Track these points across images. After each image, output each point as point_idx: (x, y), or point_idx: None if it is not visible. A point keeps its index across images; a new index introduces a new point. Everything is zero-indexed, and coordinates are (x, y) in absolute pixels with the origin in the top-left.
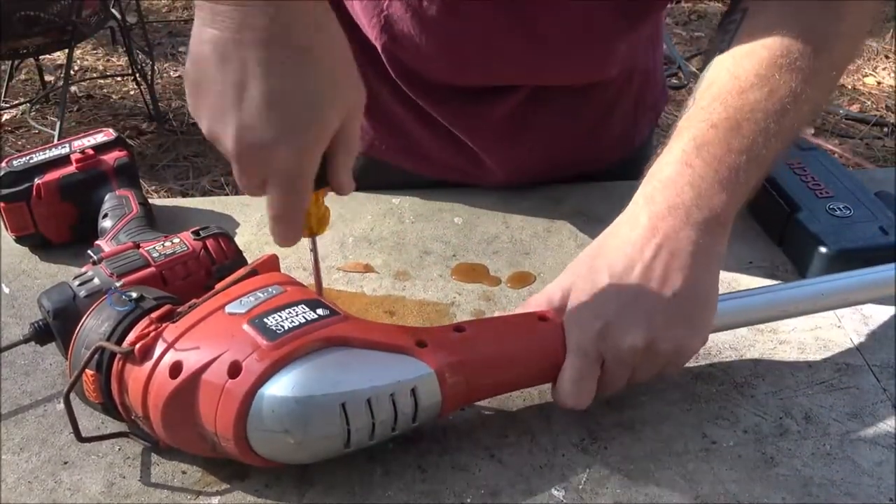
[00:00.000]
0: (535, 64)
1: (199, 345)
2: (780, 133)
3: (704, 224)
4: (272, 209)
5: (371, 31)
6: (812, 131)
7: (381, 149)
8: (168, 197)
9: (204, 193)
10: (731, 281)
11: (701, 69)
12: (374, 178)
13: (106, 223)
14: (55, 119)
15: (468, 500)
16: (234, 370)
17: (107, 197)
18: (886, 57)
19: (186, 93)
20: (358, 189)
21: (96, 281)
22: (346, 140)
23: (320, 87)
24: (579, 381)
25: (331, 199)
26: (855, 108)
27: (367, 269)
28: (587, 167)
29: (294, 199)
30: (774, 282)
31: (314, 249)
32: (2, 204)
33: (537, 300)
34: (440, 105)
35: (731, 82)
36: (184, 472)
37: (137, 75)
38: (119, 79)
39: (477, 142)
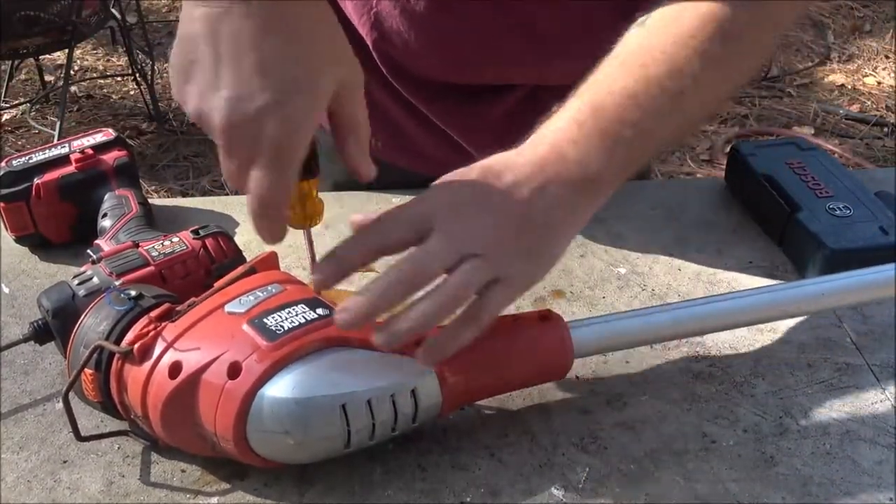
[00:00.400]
0: (531, 62)
1: (198, 345)
2: (674, 113)
3: (576, 182)
4: (256, 190)
5: (362, 29)
6: (812, 131)
7: (378, 147)
8: (168, 197)
9: (204, 193)
10: (731, 281)
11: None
12: (363, 185)
13: (105, 223)
14: (55, 119)
15: (468, 500)
16: (234, 371)
17: (106, 197)
18: (886, 57)
19: (172, 79)
20: (355, 188)
21: (95, 280)
22: (350, 122)
23: (309, 56)
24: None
25: (331, 199)
26: (855, 108)
27: (367, 268)
28: None
29: (279, 178)
30: (774, 282)
31: (310, 243)
32: (1, 204)
33: None
34: (433, 103)
35: (637, 53)
36: (183, 471)
37: (137, 75)
38: (119, 79)
39: (472, 141)
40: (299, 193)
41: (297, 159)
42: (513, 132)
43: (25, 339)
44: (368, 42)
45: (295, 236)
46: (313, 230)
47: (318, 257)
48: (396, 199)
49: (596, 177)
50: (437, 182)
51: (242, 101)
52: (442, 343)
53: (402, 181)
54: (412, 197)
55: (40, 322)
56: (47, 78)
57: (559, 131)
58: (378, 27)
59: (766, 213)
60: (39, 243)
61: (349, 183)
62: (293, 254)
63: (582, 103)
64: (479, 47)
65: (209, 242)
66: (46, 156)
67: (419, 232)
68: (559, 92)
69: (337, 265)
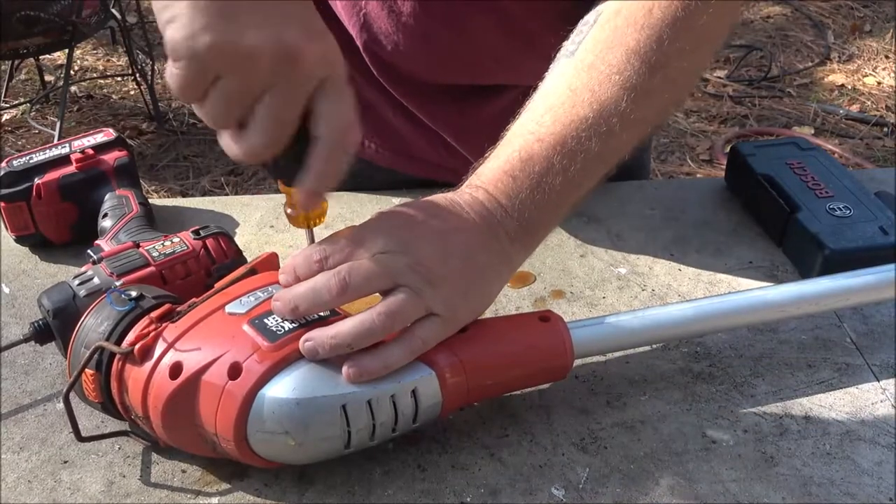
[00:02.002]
0: (517, 63)
1: (199, 345)
2: (603, 154)
3: (512, 233)
4: (335, 127)
5: (352, 30)
6: (812, 131)
7: (371, 150)
8: (168, 197)
9: (204, 193)
10: (731, 281)
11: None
12: (363, 181)
13: (106, 223)
14: (55, 119)
15: (468, 500)
16: (235, 371)
17: (107, 197)
18: (886, 57)
19: (196, 24)
20: (355, 189)
21: (96, 280)
22: (334, 89)
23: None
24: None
25: (331, 199)
26: (855, 108)
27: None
28: None
29: (352, 108)
30: (774, 282)
31: (311, 241)
32: (2, 204)
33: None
34: (424, 105)
35: (564, 95)
36: (184, 472)
37: (137, 75)
38: (119, 79)
39: (464, 142)
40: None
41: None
42: (501, 132)
43: (26, 340)
44: (359, 43)
45: (295, 237)
46: (315, 229)
47: None
48: (397, 200)
49: (529, 226)
50: (382, 212)
51: (310, 23)
52: (367, 363)
53: (395, 185)
54: (412, 198)
55: (41, 322)
56: (47, 78)
57: (493, 182)
58: (367, 28)
59: (766, 213)
60: (40, 243)
61: (349, 183)
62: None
63: (512, 152)
64: (465, 48)
65: (210, 243)
66: (47, 156)
67: (370, 252)
68: None
69: (289, 313)
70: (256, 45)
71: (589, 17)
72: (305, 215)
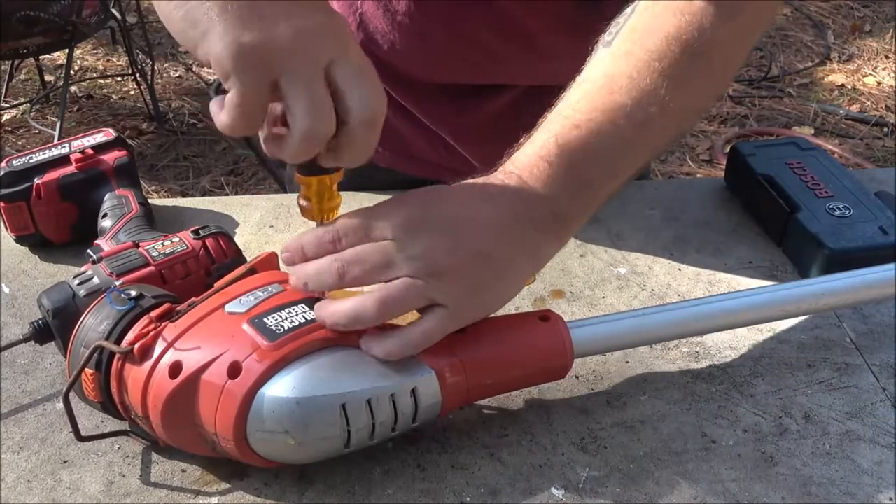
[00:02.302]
0: (513, 61)
1: (198, 344)
2: (641, 142)
3: (547, 222)
4: (360, 111)
5: (349, 29)
6: (812, 131)
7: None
8: (168, 197)
9: (204, 193)
10: (731, 281)
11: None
12: (363, 181)
13: (105, 223)
14: (55, 119)
15: (468, 499)
16: (234, 371)
17: (106, 196)
18: (886, 57)
19: (228, 28)
20: (355, 189)
21: (96, 280)
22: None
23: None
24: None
25: None
26: (855, 108)
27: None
28: None
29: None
30: (774, 282)
31: None
32: (2, 204)
33: None
34: (422, 104)
35: (601, 81)
36: (183, 471)
37: (137, 75)
38: (119, 79)
39: (463, 142)
40: (320, 187)
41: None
42: (503, 132)
43: (26, 339)
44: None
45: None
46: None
47: None
48: None
49: (563, 216)
50: (399, 195)
51: (299, 19)
52: (377, 345)
53: (402, 182)
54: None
55: (41, 322)
56: (47, 78)
57: (528, 167)
58: (364, 28)
59: (765, 213)
60: (40, 243)
61: (350, 183)
62: None
63: (549, 137)
64: (462, 47)
65: (209, 242)
66: (47, 156)
67: (377, 238)
68: (550, 92)
69: (299, 255)
70: (285, 37)
71: (627, 10)
72: (319, 208)
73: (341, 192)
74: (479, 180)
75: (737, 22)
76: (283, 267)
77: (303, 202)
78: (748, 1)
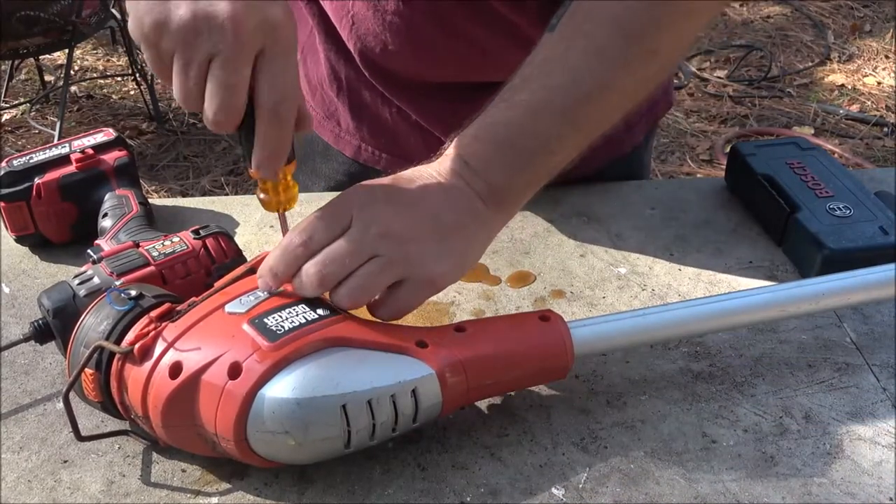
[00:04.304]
0: (505, 59)
1: (198, 345)
2: (578, 121)
3: (482, 194)
4: (270, 96)
5: (343, 32)
6: (812, 131)
7: (368, 153)
8: (168, 197)
9: (204, 193)
10: (731, 281)
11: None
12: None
13: (106, 223)
14: (55, 119)
15: (468, 499)
16: (235, 371)
17: (107, 196)
18: (886, 57)
19: (141, 7)
20: None
21: (96, 280)
22: (271, 59)
23: None
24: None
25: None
26: (855, 108)
27: None
28: (573, 171)
29: (292, 76)
30: (774, 282)
31: (284, 227)
32: (2, 203)
33: None
34: (417, 103)
35: (541, 64)
36: (183, 471)
37: (137, 75)
38: (119, 79)
39: None
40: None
41: (253, 47)
42: None
43: (26, 339)
44: (350, 45)
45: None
46: (287, 213)
47: None
48: None
49: (500, 188)
50: (348, 190)
51: None
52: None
53: None
54: (330, 201)
55: (41, 322)
56: (47, 78)
57: (462, 147)
58: (356, 30)
59: (766, 213)
60: (40, 243)
61: (349, 183)
62: None
63: (484, 118)
64: (452, 45)
65: (210, 242)
66: (47, 156)
67: (336, 234)
68: None
69: (272, 275)
70: (182, 18)
71: None
72: (277, 200)
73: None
74: (422, 164)
75: (679, 6)
76: None
77: (261, 195)
78: None
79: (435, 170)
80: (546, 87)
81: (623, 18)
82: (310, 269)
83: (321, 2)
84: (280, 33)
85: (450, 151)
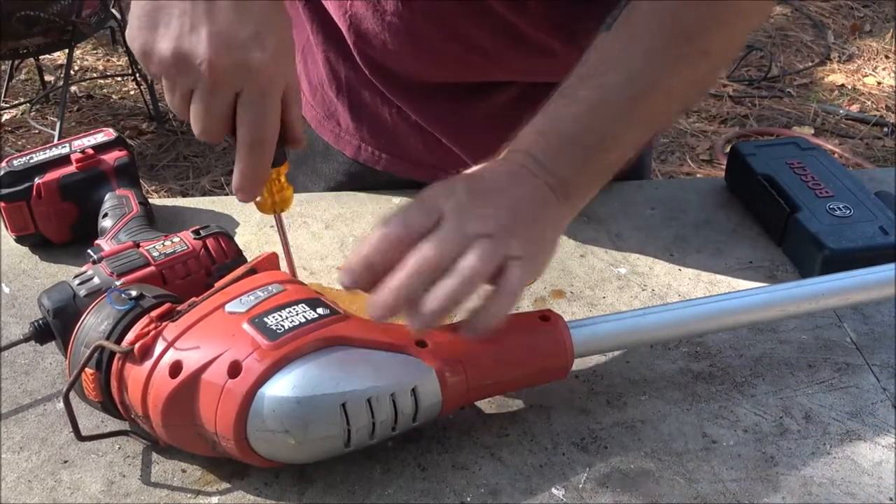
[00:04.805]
0: (505, 59)
1: (199, 344)
2: (634, 118)
3: (552, 184)
4: (249, 133)
5: (343, 31)
6: (812, 131)
7: (368, 153)
8: (168, 197)
9: (204, 193)
10: (731, 281)
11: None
12: (362, 183)
13: (106, 223)
14: (55, 119)
15: (468, 499)
16: (235, 370)
17: (107, 196)
18: (886, 57)
19: (133, 31)
20: (354, 189)
21: (96, 280)
22: (292, 92)
23: (276, 4)
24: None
25: (331, 199)
26: (855, 108)
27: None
28: None
29: (269, 109)
30: (774, 282)
31: (281, 229)
32: (2, 203)
33: None
34: (416, 103)
35: (597, 63)
36: (184, 471)
37: (137, 75)
38: (119, 79)
39: (457, 141)
40: (268, 179)
41: (282, 90)
42: (498, 130)
43: (26, 339)
44: (350, 44)
45: (296, 237)
46: (284, 215)
47: (291, 243)
48: (396, 200)
49: (567, 180)
50: (430, 186)
51: (226, 34)
52: (485, 317)
53: (401, 183)
54: (411, 199)
55: (41, 322)
56: (47, 78)
57: (527, 143)
58: (355, 29)
59: (766, 213)
60: (40, 243)
61: (349, 183)
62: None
63: (544, 117)
64: (451, 45)
65: (210, 243)
66: (47, 156)
67: (432, 220)
68: (544, 91)
69: (366, 262)
70: (162, 52)
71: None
72: (272, 202)
73: (341, 194)
74: (492, 161)
75: (731, 7)
76: (282, 267)
77: (257, 198)
78: None
79: (503, 165)
80: (601, 85)
81: (675, 20)
82: (442, 290)
83: (323, 1)
84: (259, 77)
85: (514, 148)
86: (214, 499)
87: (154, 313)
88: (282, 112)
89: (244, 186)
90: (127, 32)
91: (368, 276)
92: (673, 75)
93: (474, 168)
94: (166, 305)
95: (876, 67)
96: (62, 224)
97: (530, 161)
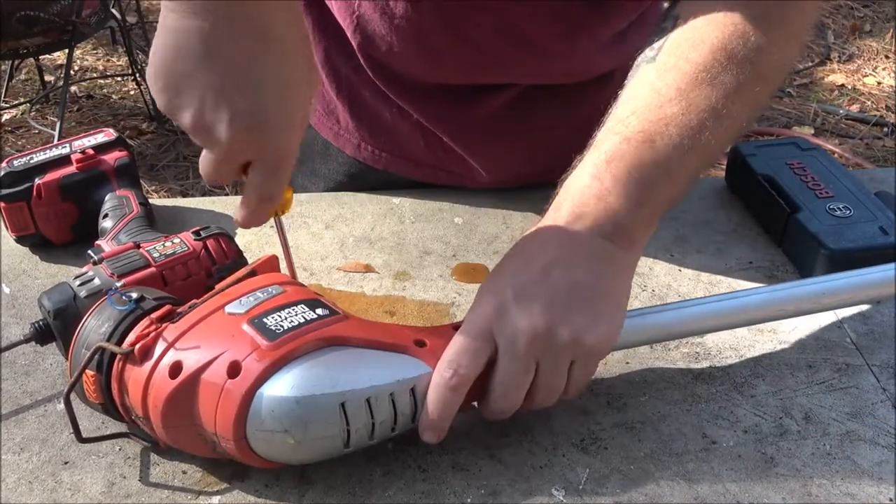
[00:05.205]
0: (512, 62)
1: (198, 345)
2: (695, 148)
3: (609, 235)
4: (257, 192)
5: (347, 31)
6: (812, 131)
7: (368, 151)
8: (168, 197)
9: (204, 193)
10: (731, 281)
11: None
12: (362, 183)
13: (106, 223)
14: (55, 119)
15: (468, 500)
16: (234, 370)
17: (107, 197)
18: (886, 57)
19: (156, 85)
20: (354, 189)
21: (97, 281)
22: (258, 169)
23: (300, 73)
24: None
25: (331, 199)
26: (855, 108)
27: (368, 269)
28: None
29: (280, 180)
30: (774, 282)
31: (281, 231)
32: (2, 204)
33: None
34: (420, 104)
35: (649, 96)
36: (184, 472)
37: (137, 75)
38: (119, 79)
39: (460, 142)
40: None
41: (293, 162)
42: (500, 132)
43: (26, 340)
44: (354, 44)
45: (297, 238)
46: (283, 217)
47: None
48: (396, 200)
49: (625, 225)
50: (481, 290)
51: (249, 115)
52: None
53: (401, 183)
54: (412, 198)
55: (41, 323)
56: (47, 78)
57: (579, 191)
58: (361, 30)
59: (766, 214)
60: (40, 243)
61: (348, 183)
62: (294, 256)
63: (598, 155)
64: (459, 48)
65: (210, 244)
66: (47, 156)
67: (487, 354)
68: (548, 94)
69: (440, 420)
70: (184, 122)
71: (666, 24)
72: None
73: (341, 194)
74: (533, 229)
75: (781, 30)
76: (282, 268)
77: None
78: (790, 3)
79: (553, 229)
80: (661, 118)
81: (732, 45)
82: (495, 409)
83: (326, 1)
84: (274, 153)
85: (562, 200)
86: (215, 500)
87: (154, 315)
88: None
89: (246, 224)
90: (148, 72)
91: (440, 434)
92: (730, 104)
93: (520, 245)
94: (167, 307)
95: (876, 67)
96: (62, 224)
97: (580, 216)
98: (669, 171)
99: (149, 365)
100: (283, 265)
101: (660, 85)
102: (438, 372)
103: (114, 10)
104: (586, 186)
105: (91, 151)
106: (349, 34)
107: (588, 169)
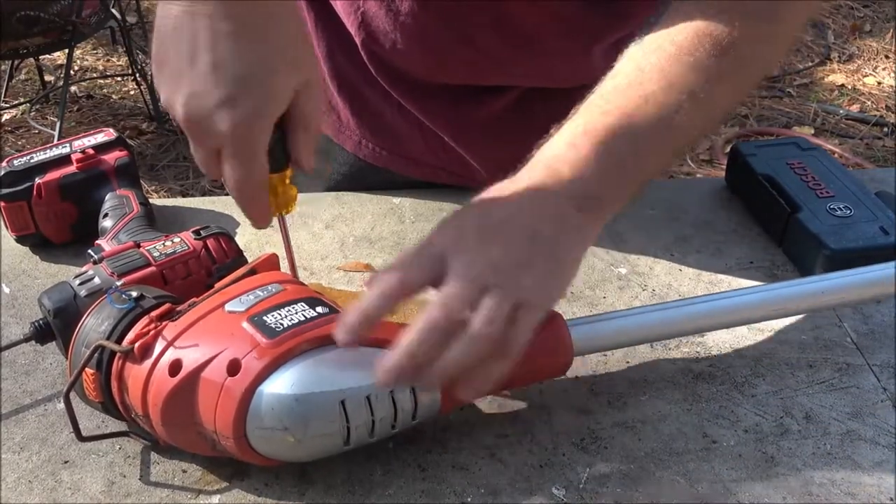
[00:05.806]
0: (515, 63)
1: (198, 343)
2: (672, 128)
3: (577, 201)
4: (228, 181)
5: (350, 28)
6: (812, 131)
7: (369, 149)
8: (168, 197)
9: (204, 193)
10: (731, 281)
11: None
12: (362, 182)
13: (106, 223)
14: (55, 119)
15: (468, 500)
16: (234, 368)
17: (107, 197)
18: (886, 57)
19: (153, 69)
20: (355, 189)
21: (97, 280)
22: (302, 118)
23: (263, 58)
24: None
25: (331, 199)
26: (855, 108)
27: (368, 268)
28: None
29: (245, 169)
30: (774, 282)
31: (284, 229)
32: (2, 203)
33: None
34: (421, 102)
35: (633, 73)
36: (184, 471)
37: (137, 75)
38: (119, 79)
39: (461, 141)
40: (272, 184)
41: (256, 152)
42: (502, 133)
43: (26, 339)
44: (357, 42)
45: (297, 238)
46: (288, 217)
47: (293, 244)
48: (396, 200)
49: (595, 194)
50: (442, 222)
51: (197, 97)
52: (478, 383)
53: (401, 182)
54: (413, 197)
55: (41, 322)
56: (47, 78)
57: (554, 155)
58: (365, 27)
59: (766, 213)
60: (40, 243)
61: (349, 183)
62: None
63: (576, 125)
64: (463, 47)
65: (210, 243)
66: (47, 156)
67: (434, 271)
68: (550, 96)
69: (364, 318)
70: (179, 116)
71: (662, 10)
72: (277, 203)
73: (341, 194)
74: (504, 182)
75: (769, 25)
76: (283, 267)
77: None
78: (781, 3)
79: (522, 183)
80: (641, 95)
81: (717, 32)
82: (463, 350)
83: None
84: (230, 138)
85: (537, 161)
86: (215, 499)
87: (154, 313)
88: (286, 136)
89: (252, 221)
90: (154, 78)
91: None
92: (709, 89)
93: (490, 192)
94: (166, 305)
95: (876, 67)
96: (62, 224)
97: (554, 176)
98: (644, 147)
99: (148, 363)
100: (283, 264)
101: (643, 63)
102: (378, 277)
103: (114, 10)
104: (562, 153)
105: (91, 151)
106: (353, 30)
107: (565, 137)
